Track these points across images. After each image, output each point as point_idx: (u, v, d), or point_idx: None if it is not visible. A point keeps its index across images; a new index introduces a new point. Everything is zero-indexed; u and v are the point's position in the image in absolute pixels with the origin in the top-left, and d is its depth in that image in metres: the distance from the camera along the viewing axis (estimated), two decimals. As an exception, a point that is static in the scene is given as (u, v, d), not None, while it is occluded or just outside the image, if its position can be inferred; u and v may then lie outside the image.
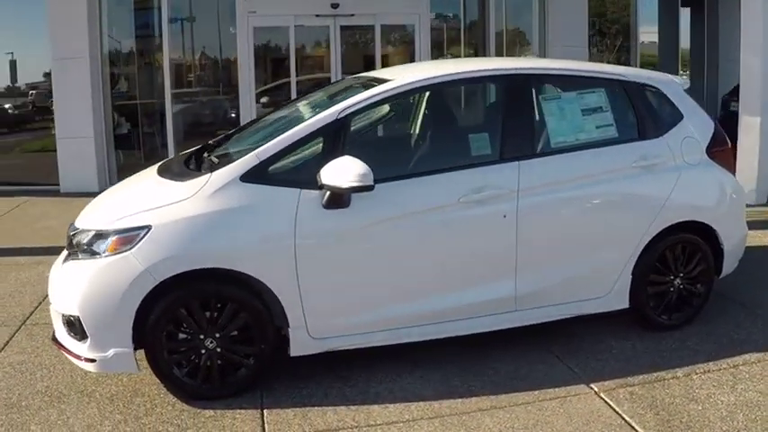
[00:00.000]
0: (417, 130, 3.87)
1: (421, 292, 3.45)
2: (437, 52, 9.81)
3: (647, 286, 3.87)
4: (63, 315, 3.29)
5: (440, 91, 3.76)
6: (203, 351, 3.24)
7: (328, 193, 3.17)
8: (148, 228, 3.13)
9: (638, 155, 3.80)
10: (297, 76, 9.47)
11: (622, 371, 3.51)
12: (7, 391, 3.41)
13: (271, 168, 3.24)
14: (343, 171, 3.08)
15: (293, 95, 9.07)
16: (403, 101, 3.72)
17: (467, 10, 10.22)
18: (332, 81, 8.83)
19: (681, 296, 3.98)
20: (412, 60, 9.45)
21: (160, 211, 3.19)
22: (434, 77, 3.63)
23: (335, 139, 3.28)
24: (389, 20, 9.49)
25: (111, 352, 3.15)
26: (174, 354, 3.23)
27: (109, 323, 3.12)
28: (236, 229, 3.17)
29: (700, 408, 3.14)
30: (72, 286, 3.21)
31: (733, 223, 4.13)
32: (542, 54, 9.61)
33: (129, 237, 3.13)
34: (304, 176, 3.23)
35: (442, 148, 3.73)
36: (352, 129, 3.40)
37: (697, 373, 3.48)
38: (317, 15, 9.32)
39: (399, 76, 3.54)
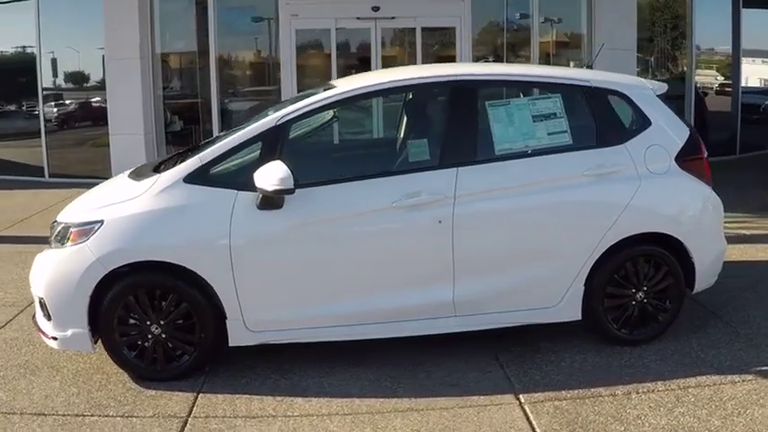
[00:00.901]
0: (358, 136, 4.04)
1: (355, 292, 3.61)
2: (480, 55, 9.85)
3: (603, 298, 3.83)
4: (37, 297, 3.74)
5: (382, 98, 3.91)
6: (150, 336, 3.57)
7: (261, 194, 3.43)
8: (101, 222, 3.50)
9: (593, 163, 3.76)
10: (337, 78, 9.78)
11: (561, 384, 3.51)
12: (-9, 362, 3.92)
13: (212, 171, 3.53)
14: (269, 175, 3.33)
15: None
16: (346, 108, 3.89)
17: (509, 12, 10.15)
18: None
19: (645, 311, 3.90)
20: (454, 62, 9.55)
21: (113, 207, 3.56)
22: (375, 85, 3.77)
23: (273, 144, 3.52)
24: (430, 22, 9.59)
25: (69, 332, 3.54)
26: (125, 336, 3.58)
27: (67, 306, 3.51)
28: (178, 226, 3.48)
29: (622, 429, 3.09)
30: (42, 272, 3.64)
31: (706, 237, 3.98)
32: (590, 58, 9.43)
33: (85, 230, 3.52)
34: (242, 179, 3.48)
35: (380, 153, 3.87)
36: (290, 135, 3.61)
37: (638, 392, 3.41)
38: (358, 18, 9.57)
39: (345, 84, 3.74)
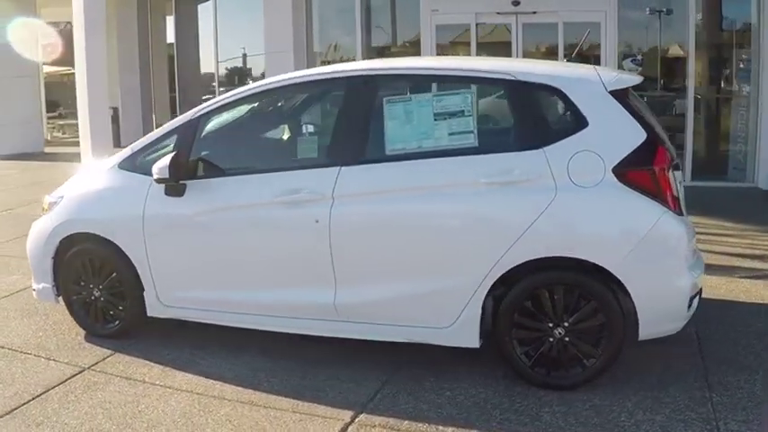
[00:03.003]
0: (260, 132, 4.11)
1: (244, 282, 3.80)
2: (627, 52, 8.98)
3: (512, 328, 3.42)
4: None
5: (286, 95, 3.92)
6: (93, 298, 4.23)
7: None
8: (62, 197, 4.26)
9: (496, 169, 3.35)
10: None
11: (412, 413, 3.24)
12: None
13: (138, 159, 4.02)
14: (156, 165, 3.72)
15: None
16: (256, 103, 4.01)
17: (660, 7, 9.03)
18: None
19: (568, 351, 3.40)
20: (598, 61, 8.91)
21: (75, 185, 4.29)
22: (278, 81, 3.82)
23: (187, 137, 3.90)
24: (573, 17, 9.03)
25: (41, 285, 4.35)
26: (76, 295, 4.27)
27: (38, 264, 4.31)
28: (107, 204, 4.04)
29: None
30: (29, 235, 4.53)
31: (653, 269, 3.30)
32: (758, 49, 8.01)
33: (54, 203, 4.30)
34: None
35: (275, 149, 3.90)
36: (204, 128, 3.90)
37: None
38: (498, 13, 9.43)
39: (263, 81, 3.94)
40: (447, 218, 3.44)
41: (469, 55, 9.70)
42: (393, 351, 3.72)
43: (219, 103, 3.93)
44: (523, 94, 3.45)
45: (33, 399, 3.49)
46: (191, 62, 13.83)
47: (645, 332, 3.36)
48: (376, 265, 3.56)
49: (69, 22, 22.18)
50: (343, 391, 3.50)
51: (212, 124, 3.92)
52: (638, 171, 3.29)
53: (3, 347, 4.17)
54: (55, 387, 3.62)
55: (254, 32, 11.37)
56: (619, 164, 3.27)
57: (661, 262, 3.32)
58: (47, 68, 18.59)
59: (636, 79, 3.78)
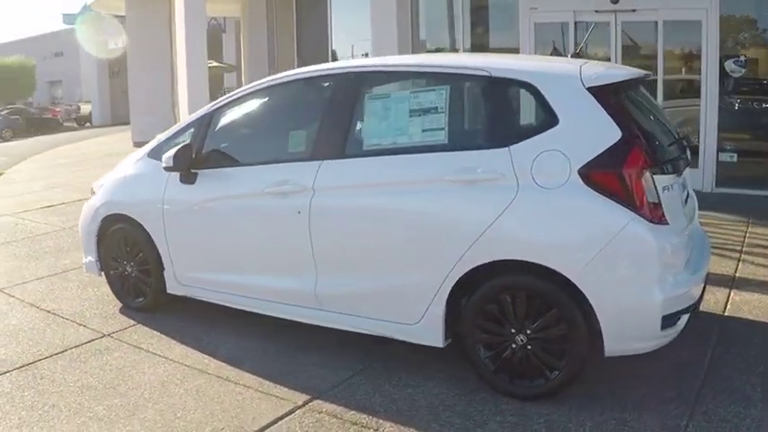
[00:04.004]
0: (258, 126, 4.19)
1: (241, 266, 4.04)
2: (730, 54, 8.26)
3: (475, 330, 3.37)
4: None
5: (285, 91, 4.04)
6: (125, 273, 4.67)
7: (175, 170, 4.18)
8: (104, 183, 4.78)
9: (460, 166, 3.30)
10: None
11: (363, 405, 3.28)
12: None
13: (163, 148, 4.41)
14: (165, 155, 4.08)
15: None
16: (257, 99, 4.13)
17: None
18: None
19: (530, 360, 3.28)
20: (698, 60, 8.35)
21: (114, 172, 4.80)
22: (276, 79, 4.01)
23: (200, 129, 4.22)
24: (672, 15, 8.43)
25: (88, 259, 4.92)
26: (112, 270, 4.71)
27: (86, 240, 4.87)
28: (135, 189, 4.49)
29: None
30: (81, 215, 5.05)
31: (617, 282, 3.10)
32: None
33: (98, 186, 4.84)
34: None
35: (269, 143, 4.03)
36: (215, 122, 4.17)
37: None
38: (597, 11, 9.05)
39: (265, 79, 4.16)
40: (412, 214, 3.44)
41: (566, 54, 9.42)
42: (380, 343, 3.76)
43: (228, 99, 4.21)
44: (498, 90, 3.37)
45: (49, 357, 3.98)
46: (310, 57, 14.52)
47: (611, 348, 3.15)
48: (349, 257, 3.65)
49: (214, 18, 24.12)
50: (313, 376, 3.63)
51: (221, 118, 4.21)
52: (605, 173, 3.09)
53: (51, 312, 4.75)
54: (71, 349, 4.10)
55: (365, 30, 11.76)
56: (585, 165, 3.10)
57: (627, 274, 3.11)
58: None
59: (626, 74, 3.55)
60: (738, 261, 5.64)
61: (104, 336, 4.30)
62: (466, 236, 3.26)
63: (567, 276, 3.11)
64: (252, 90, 4.13)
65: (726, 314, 4.47)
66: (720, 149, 8.41)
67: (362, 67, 3.90)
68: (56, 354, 4.03)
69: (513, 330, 3.28)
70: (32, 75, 39.54)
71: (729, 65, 8.14)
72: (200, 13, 9.68)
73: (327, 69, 3.96)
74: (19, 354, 4.03)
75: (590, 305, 3.10)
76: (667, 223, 3.19)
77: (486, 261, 3.25)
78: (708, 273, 3.98)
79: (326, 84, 3.84)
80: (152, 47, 14.86)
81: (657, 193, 3.16)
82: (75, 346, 4.13)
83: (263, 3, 14.81)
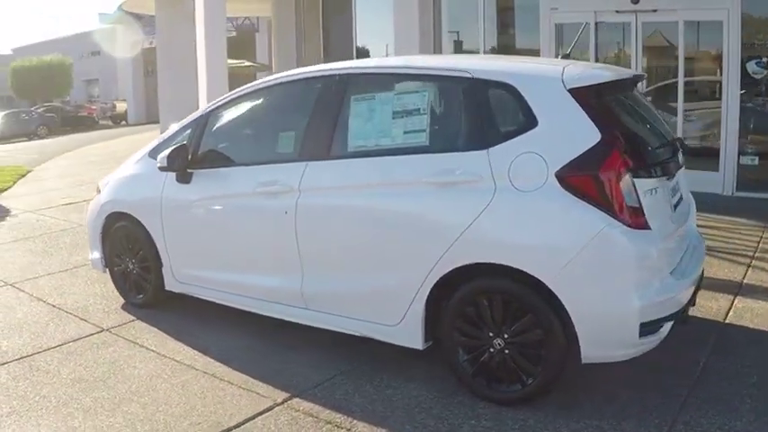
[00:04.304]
0: (250, 128, 4.24)
1: (233, 265, 4.12)
2: (752, 55, 8.10)
3: (454, 333, 3.38)
4: None
5: (276, 92, 4.11)
6: (128, 269, 4.80)
7: (172, 170, 4.29)
8: (109, 181, 4.93)
9: (440, 168, 3.32)
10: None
11: (340, 404, 3.34)
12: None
13: (162, 148, 4.53)
14: (161, 154, 4.20)
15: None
16: (249, 101, 4.22)
17: None
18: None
19: (508, 365, 3.28)
20: (720, 62, 8.23)
21: (118, 171, 4.94)
22: (267, 81, 4.09)
23: (197, 130, 4.33)
24: (693, 15, 8.31)
25: (94, 255, 5.09)
26: (117, 267, 4.87)
27: (92, 236, 5.04)
28: (136, 187, 4.63)
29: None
30: (88, 212, 5.24)
31: (592, 287, 3.07)
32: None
33: (107, 183, 5.00)
34: None
35: (263, 143, 4.11)
36: (211, 123, 4.27)
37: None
38: (617, 11, 8.96)
39: (256, 81, 4.24)
40: (392, 215, 3.47)
41: (588, 54, 9.36)
42: (369, 343, 3.78)
43: (223, 101, 4.31)
44: (480, 91, 3.36)
45: (47, 349, 4.13)
46: (336, 56, 14.68)
47: (587, 355, 3.13)
48: (333, 257, 3.71)
49: (248, 18, 24.43)
50: (298, 375, 3.69)
51: (216, 120, 4.31)
52: (581, 176, 3.06)
53: (56, 306, 4.92)
54: (70, 342, 4.24)
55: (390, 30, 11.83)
56: (562, 168, 3.08)
57: (603, 279, 3.06)
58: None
59: (610, 75, 3.51)
60: (748, 267, 5.55)
61: (103, 330, 4.44)
62: (444, 238, 3.28)
63: (542, 281, 3.10)
64: (245, 92, 4.22)
65: (726, 321, 4.40)
66: (741, 153, 8.26)
67: (348, 69, 3.95)
68: (54, 347, 4.18)
69: (490, 334, 3.28)
70: (69, 73, 40.54)
71: (751, 66, 7.99)
72: (220, 12, 9.83)
73: (315, 71, 4.02)
74: (20, 346, 4.19)
75: (566, 310, 3.09)
76: (648, 228, 3.15)
77: (464, 264, 3.26)
78: (702, 277, 3.92)
79: (314, 86, 3.89)
80: (180, 46, 15.13)
81: (638, 197, 3.12)
82: (74, 340, 4.28)
83: (293, 3, 15.01)
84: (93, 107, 36.12)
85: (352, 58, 13.41)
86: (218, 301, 4.38)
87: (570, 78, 3.24)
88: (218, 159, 4.23)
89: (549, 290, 3.11)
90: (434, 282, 3.36)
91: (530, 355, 3.23)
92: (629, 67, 8.87)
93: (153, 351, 4.10)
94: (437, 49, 10.94)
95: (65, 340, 4.27)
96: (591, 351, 3.12)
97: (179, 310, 4.67)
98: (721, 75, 8.20)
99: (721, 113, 8.27)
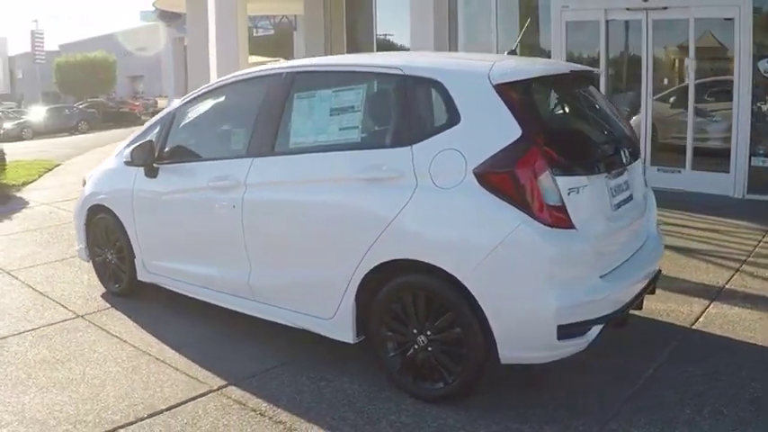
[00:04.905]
0: (212, 124, 4.49)
1: (194, 257, 4.38)
2: (762, 50, 7.96)
3: (382, 328, 3.50)
4: None
5: (232, 90, 4.34)
6: (107, 259, 5.13)
7: (139, 164, 4.57)
8: (93, 174, 5.28)
9: (368, 164, 3.42)
10: (606, 70, 9.34)
11: (270, 394, 3.52)
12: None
13: (137, 143, 4.84)
14: (126, 150, 4.50)
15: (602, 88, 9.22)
16: (210, 99, 4.46)
17: None
18: (644, 78, 8.79)
19: (431, 362, 3.34)
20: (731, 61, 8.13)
21: (100, 165, 5.28)
22: (227, 79, 4.33)
23: (165, 126, 4.59)
24: (704, 13, 8.20)
25: (79, 246, 5.44)
26: (97, 257, 5.21)
27: (77, 226, 5.38)
28: (111, 181, 4.93)
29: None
30: (75, 204, 5.54)
31: (507, 286, 3.09)
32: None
33: (89, 177, 5.34)
34: None
35: (219, 139, 4.35)
36: (177, 120, 4.53)
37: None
38: (628, 9, 8.93)
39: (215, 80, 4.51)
40: (324, 211, 3.62)
41: (597, 53, 9.35)
42: (318, 337, 3.87)
43: (188, 99, 4.59)
44: (409, 88, 3.42)
45: (23, 332, 4.48)
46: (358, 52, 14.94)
47: (505, 355, 3.17)
48: (274, 251, 3.90)
49: (285, 16, 24.92)
50: (239, 364, 3.91)
51: (181, 117, 4.57)
52: (498, 173, 3.09)
53: (42, 293, 5.29)
54: (44, 327, 4.58)
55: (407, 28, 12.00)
56: (480, 164, 3.11)
57: (518, 279, 3.10)
58: (253, 58, 21.14)
59: (541, 70, 3.51)
60: (736, 272, 5.50)
61: (78, 317, 4.76)
62: (369, 234, 3.39)
63: (458, 278, 3.16)
64: (205, 90, 4.50)
65: (693, 327, 4.37)
66: (753, 154, 8.13)
67: (293, 67, 4.12)
68: (29, 330, 4.52)
69: (414, 331, 3.36)
70: (113, 70, 41.98)
71: (763, 65, 7.87)
72: (231, 12, 10.18)
73: (265, 70, 4.22)
74: (-1, 329, 4.55)
75: (482, 309, 3.14)
76: (572, 227, 3.15)
77: (387, 259, 3.37)
78: (656, 279, 3.92)
79: (264, 84, 4.07)
80: (208, 43, 15.61)
81: (560, 195, 3.12)
82: (49, 325, 4.61)
83: (321, 2, 15.40)
84: (137, 103, 37.34)
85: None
86: (180, 292, 4.63)
87: (497, 74, 3.26)
88: (180, 155, 4.48)
89: (464, 287, 3.17)
90: (362, 277, 3.48)
91: (451, 353, 3.28)
92: (641, 68, 8.85)
93: (116, 337, 4.39)
94: (452, 48, 11.05)
95: (40, 324, 4.61)
96: (508, 352, 3.15)
97: (151, 299, 4.95)
98: (732, 74, 8.10)
99: (732, 113, 8.17)
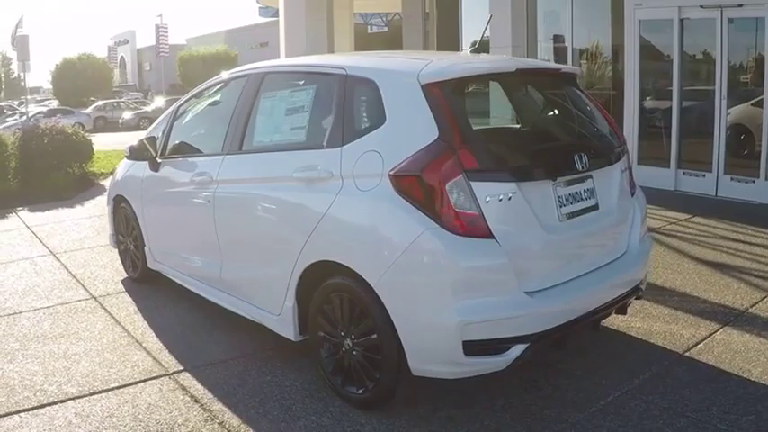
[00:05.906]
0: (201, 121, 4.75)
1: (182, 248, 4.75)
2: None
3: (316, 328, 3.54)
4: None
5: (220, 89, 4.57)
6: (127, 245, 5.66)
7: (144, 159, 5.01)
8: (118, 167, 5.84)
9: (304, 165, 3.52)
10: (679, 72, 8.94)
11: (214, 385, 3.72)
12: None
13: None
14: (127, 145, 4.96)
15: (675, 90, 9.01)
16: (202, 98, 4.76)
17: None
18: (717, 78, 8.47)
19: (355, 366, 3.35)
20: None
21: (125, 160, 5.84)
22: (217, 78, 4.61)
23: (168, 123, 4.96)
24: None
25: (110, 233, 6.02)
26: (121, 244, 5.77)
27: (108, 215, 5.97)
28: (130, 174, 5.41)
29: None
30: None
31: (410, 295, 3.02)
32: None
33: (114, 170, 5.92)
34: None
35: (205, 136, 4.62)
36: (177, 117, 4.90)
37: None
38: (702, 7, 8.50)
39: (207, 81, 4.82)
40: (269, 209, 3.81)
41: (670, 51, 8.97)
42: None
43: (186, 98, 4.97)
44: (350, 88, 3.44)
45: (36, 309, 5.05)
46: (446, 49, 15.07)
47: (414, 367, 3.12)
48: (236, 245, 4.15)
49: (398, 13, 25.34)
50: (204, 352, 4.19)
51: (180, 114, 4.95)
52: (407, 177, 3.05)
53: (73, 275, 5.92)
54: (57, 305, 5.14)
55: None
56: (394, 167, 3.09)
57: (422, 288, 3.01)
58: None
59: (474, 69, 3.44)
60: (768, 294, 5.03)
61: (91, 298, 5.31)
62: (301, 234, 3.48)
63: (369, 283, 3.14)
64: (201, 89, 4.86)
65: (687, 354, 4.03)
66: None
67: (264, 68, 4.33)
68: (44, 307, 5.10)
69: (342, 333, 3.39)
70: (234, 64, 44.23)
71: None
72: (299, 12, 10.67)
73: (245, 70, 4.48)
74: (18, 305, 5.16)
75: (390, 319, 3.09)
76: (489, 237, 3.02)
77: (316, 260, 3.44)
78: (623, 298, 3.65)
79: (241, 83, 4.32)
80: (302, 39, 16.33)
81: (477, 201, 3.01)
82: (63, 304, 5.18)
83: (419, 1, 15.86)
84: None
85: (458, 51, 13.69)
86: (176, 281, 5.02)
87: (427, 74, 3.19)
88: (176, 150, 4.85)
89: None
90: (299, 276, 3.59)
91: (372, 360, 3.27)
92: (714, 67, 8.38)
93: (114, 319, 4.86)
94: (530, 46, 10.93)
95: (55, 303, 5.19)
96: (417, 364, 3.10)
97: (162, 286, 5.36)
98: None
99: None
